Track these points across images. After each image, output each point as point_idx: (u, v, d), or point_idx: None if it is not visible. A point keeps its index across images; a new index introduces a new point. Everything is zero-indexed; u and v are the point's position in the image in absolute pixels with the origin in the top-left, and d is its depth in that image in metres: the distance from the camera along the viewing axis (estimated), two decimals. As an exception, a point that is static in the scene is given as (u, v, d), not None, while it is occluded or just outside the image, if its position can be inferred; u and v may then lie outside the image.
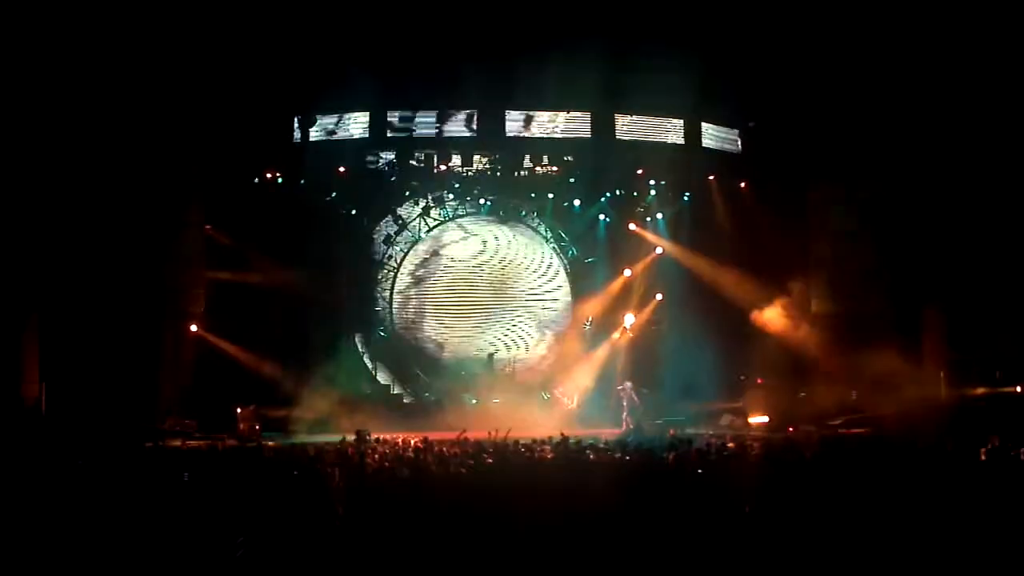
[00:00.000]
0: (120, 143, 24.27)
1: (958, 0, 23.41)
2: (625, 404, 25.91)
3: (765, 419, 24.97)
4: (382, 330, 29.41)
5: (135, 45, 23.16)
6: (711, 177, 28.47)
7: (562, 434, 17.43)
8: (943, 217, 26.32)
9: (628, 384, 26.32)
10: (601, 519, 10.26)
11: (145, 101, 23.86)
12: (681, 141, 27.97)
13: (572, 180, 28.86)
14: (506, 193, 29.56)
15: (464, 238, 29.79)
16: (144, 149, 24.70)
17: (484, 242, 29.78)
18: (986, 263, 25.81)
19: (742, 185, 28.15)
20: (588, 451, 15.88)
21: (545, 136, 27.67)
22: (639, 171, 28.26)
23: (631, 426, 24.60)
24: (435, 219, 29.62)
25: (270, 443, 19.88)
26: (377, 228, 29.35)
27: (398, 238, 29.43)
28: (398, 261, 29.48)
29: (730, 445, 16.68)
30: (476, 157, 28.21)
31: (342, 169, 27.50)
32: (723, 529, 10.17)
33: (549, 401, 27.43)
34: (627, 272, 29.12)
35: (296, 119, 26.69)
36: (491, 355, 28.57)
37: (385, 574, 10.00)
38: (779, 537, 10.09)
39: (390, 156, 27.88)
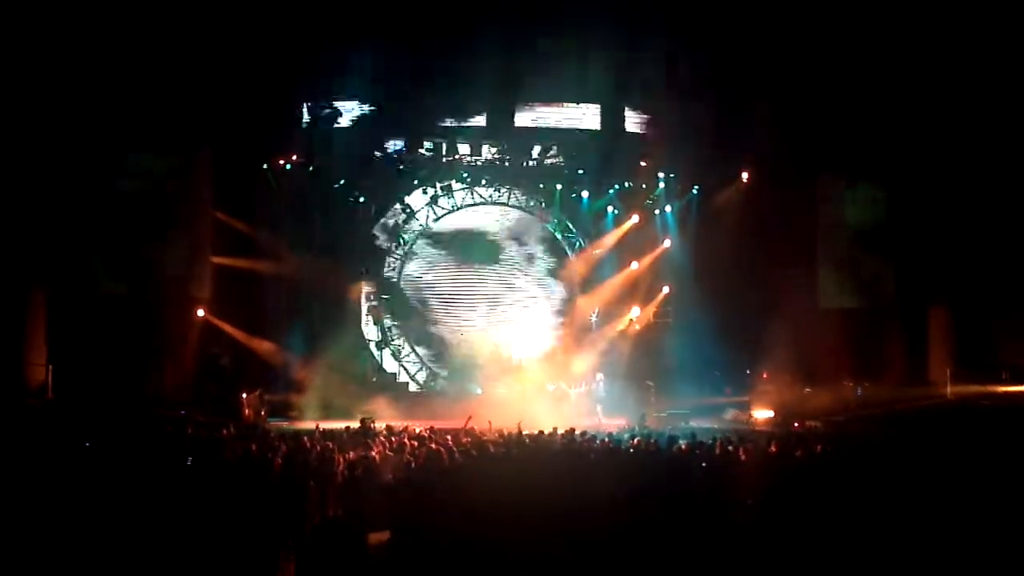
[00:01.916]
0: (128, 125, 24.26)
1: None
2: (596, 398, 25.98)
3: (770, 414, 24.94)
4: (388, 318, 29.41)
5: (146, 28, 23.13)
6: (720, 170, 28.39)
7: (572, 429, 17.45)
8: (951, 215, 26.26)
9: (600, 376, 26.37)
10: (607, 513, 10.26)
11: (156, 84, 23.82)
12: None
13: (580, 172, 28.85)
14: (514, 183, 29.59)
15: (471, 228, 29.79)
16: (153, 132, 24.70)
17: (491, 232, 29.80)
18: (993, 262, 25.76)
19: (751, 178, 28.06)
20: (596, 443, 15.89)
21: (554, 127, 27.65)
22: (645, 163, 28.18)
23: (602, 420, 24.58)
24: (443, 208, 29.62)
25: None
26: (385, 216, 29.36)
27: (406, 226, 29.45)
28: (405, 250, 29.48)
29: (734, 440, 16.67)
30: (485, 147, 28.23)
31: (351, 156, 27.54)
32: (727, 524, 10.17)
33: (555, 393, 27.35)
34: (634, 265, 29.10)
35: (306, 105, 26.68)
36: (497, 345, 28.53)
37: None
38: (784, 532, 10.08)
39: (399, 144, 27.87)
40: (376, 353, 29.28)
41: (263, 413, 24.34)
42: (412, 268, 29.63)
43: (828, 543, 9.96)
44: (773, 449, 14.84)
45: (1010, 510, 10.40)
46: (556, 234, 30.25)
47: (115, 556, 9.49)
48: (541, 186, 29.52)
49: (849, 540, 9.98)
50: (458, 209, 29.72)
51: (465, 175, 29.04)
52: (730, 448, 14.82)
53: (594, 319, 29.96)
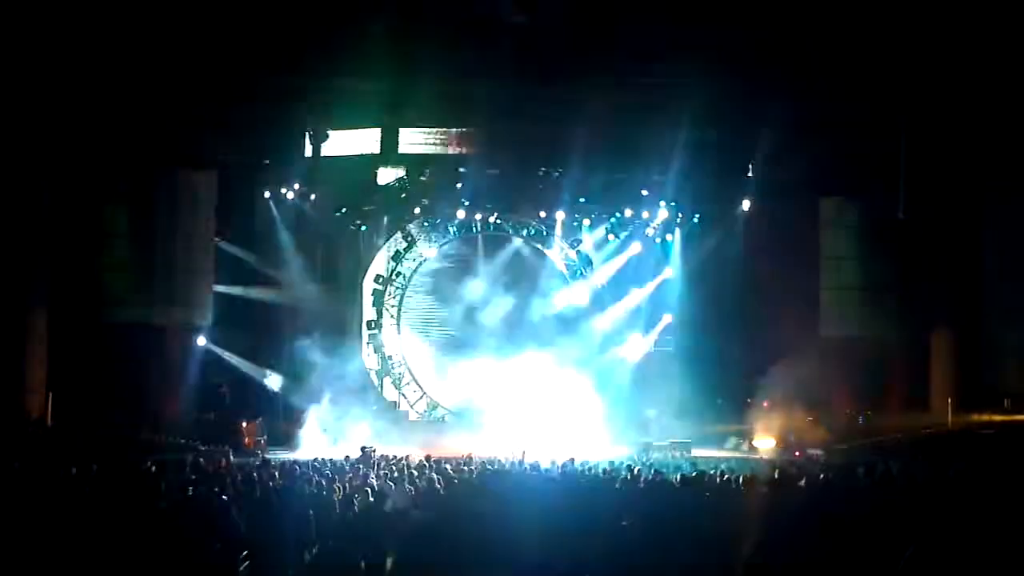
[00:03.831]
0: (129, 151, 24.32)
1: (969, 16, 23.26)
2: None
3: (772, 443, 24.86)
4: (390, 346, 29.39)
5: (148, 54, 23.20)
6: (721, 198, 28.41)
7: (572, 458, 17.44)
8: (953, 242, 26.25)
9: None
10: (606, 542, 10.19)
11: (158, 110, 23.90)
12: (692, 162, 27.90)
13: (583, 200, 28.88)
14: (516, 211, 29.61)
15: (472, 256, 29.82)
16: (155, 159, 24.77)
17: (492, 260, 29.80)
18: (996, 290, 25.74)
19: (752, 207, 28.08)
20: (596, 472, 15.85)
21: (556, 155, 27.68)
22: (647, 191, 28.22)
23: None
24: (444, 236, 29.65)
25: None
26: (386, 244, 29.40)
27: (407, 254, 29.47)
28: (407, 278, 29.50)
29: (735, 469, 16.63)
30: (486, 175, 28.27)
31: (352, 184, 27.62)
32: (729, 554, 10.10)
33: (558, 420, 27.27)
34: (636, 293, 29.10)
35: (308, 134, 26.73)
36: (498, 372, 28.48)
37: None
38: (786, 562, 10.01)
39: (400, 172, 27.93)
40: (376, 382, 29.25)
41: (263, 442, 24.31)
42: (413, 295, 29.62)
43: (832, 572, 9.90)
44: (775, 477, 14.77)
45: (1012, 539, 10.33)
46: (557, 262, 30.27)
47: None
48: (543, 214, 29.55)
49: (853, 569, 9.92)
50: (459, 237, 29.75)
51: (466, 203, 29.07)
52: (732, 477, 14.76)
53: (595, 347, 29.91)
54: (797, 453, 23.31)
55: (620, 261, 29.40)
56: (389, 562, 10.64)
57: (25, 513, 10.94)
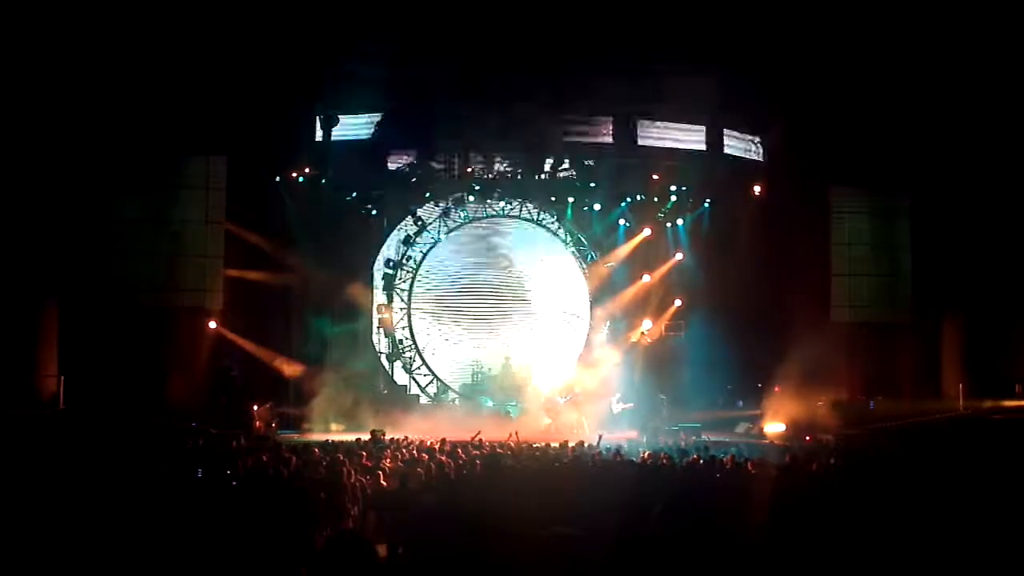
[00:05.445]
0: (142, 136, 24.32)
1: (985, 9, 23.16)
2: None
3: (782, 427, 24.82)
4: (400, 330, 29.43)
5: (161, 38, 23.18)
6: (732, 184, 28.33)
7: (582, 442, 17.48)
8: (964, 228, 26.17)
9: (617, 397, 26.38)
10: (616, 526, 10.20)
11: (170, 94, 23.88)
12: (703, 148, 27.86)
13: (593, 184, 28.82)
14: (526, 196, 29.60)
15: (483, 240, 29.81)
16: (167, 143, 24.76)
17: (503, 245, 29.80)
18: (1008, 275, 25.65)
19: (763, 192, 27.99)
20: (607, 457, 15.86)
21: (566, 140, 27.63)
22: (658, 176, 28.13)
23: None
24: (455, 221, 29.64)
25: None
26: (397, 228, 29.41)
27: (417, 239, 29.48)
28: (417, 262, 29.52)
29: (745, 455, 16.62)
30: (497, 160, 28.25)
31: (363, 169, 27.58)
32: (740, 539, 10.10)
33: (566, 405, 27.29)
34: (646, 277, 29.06)
35: (318, 118, 26.71)
36: (508, 358, 28.51)
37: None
38: (797, 547, 10.01)
39: (411, 157, 27.89)
40: (387, 365, 29.29)
41: (274, 425, 24.34)
42: (423, 281, 29.64)
43: (843, 558, 9.89)
44: (787, 462, 14.76)
45: (1018, 524, 10.32)
46: (568, 247, 30.26)
47: (124, 569, 9.47)
48: (553, 199, 29.54)
49: (863, 555, 9.91)
50: (469, 222, 29.74)
51: (477, 188, 29.05)
52: (742, 462, 14.76)
53: (606, 332, 29.92)
54: (808, 438, 23.25)
55: (631, 245, 29.31)
56: (400, 544, 10.68)
57: (38, 496, 10.99)
